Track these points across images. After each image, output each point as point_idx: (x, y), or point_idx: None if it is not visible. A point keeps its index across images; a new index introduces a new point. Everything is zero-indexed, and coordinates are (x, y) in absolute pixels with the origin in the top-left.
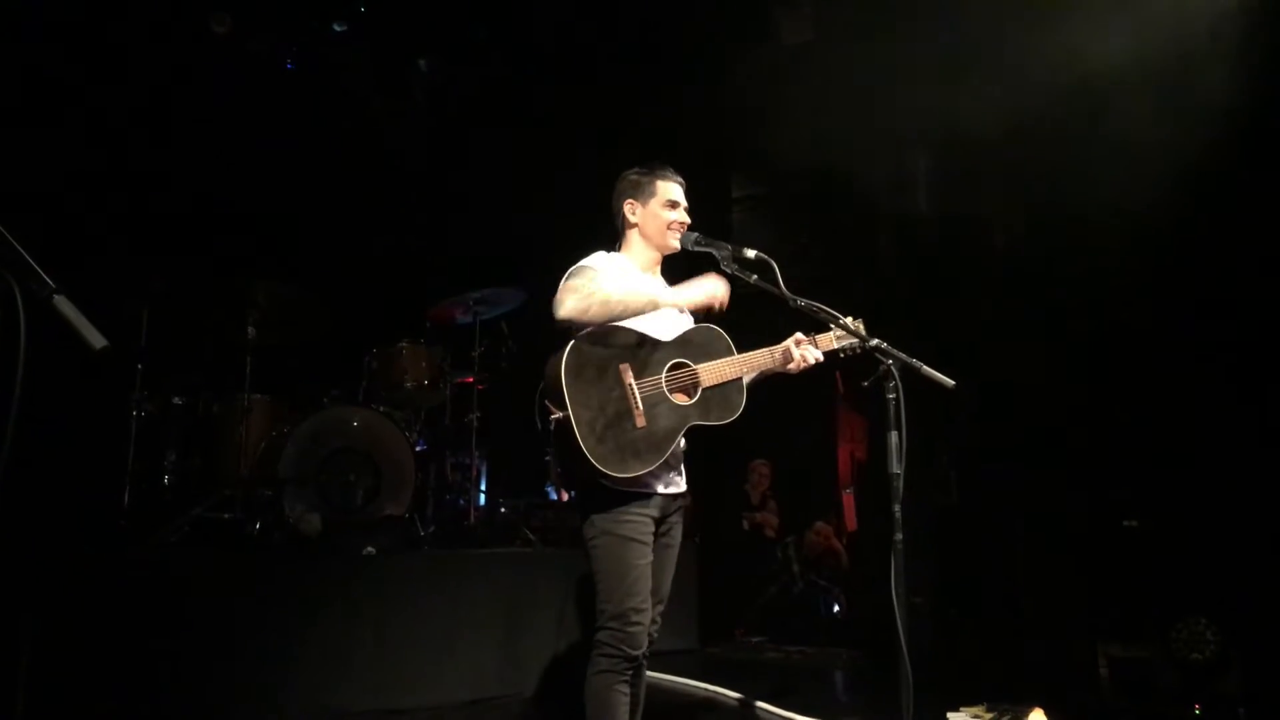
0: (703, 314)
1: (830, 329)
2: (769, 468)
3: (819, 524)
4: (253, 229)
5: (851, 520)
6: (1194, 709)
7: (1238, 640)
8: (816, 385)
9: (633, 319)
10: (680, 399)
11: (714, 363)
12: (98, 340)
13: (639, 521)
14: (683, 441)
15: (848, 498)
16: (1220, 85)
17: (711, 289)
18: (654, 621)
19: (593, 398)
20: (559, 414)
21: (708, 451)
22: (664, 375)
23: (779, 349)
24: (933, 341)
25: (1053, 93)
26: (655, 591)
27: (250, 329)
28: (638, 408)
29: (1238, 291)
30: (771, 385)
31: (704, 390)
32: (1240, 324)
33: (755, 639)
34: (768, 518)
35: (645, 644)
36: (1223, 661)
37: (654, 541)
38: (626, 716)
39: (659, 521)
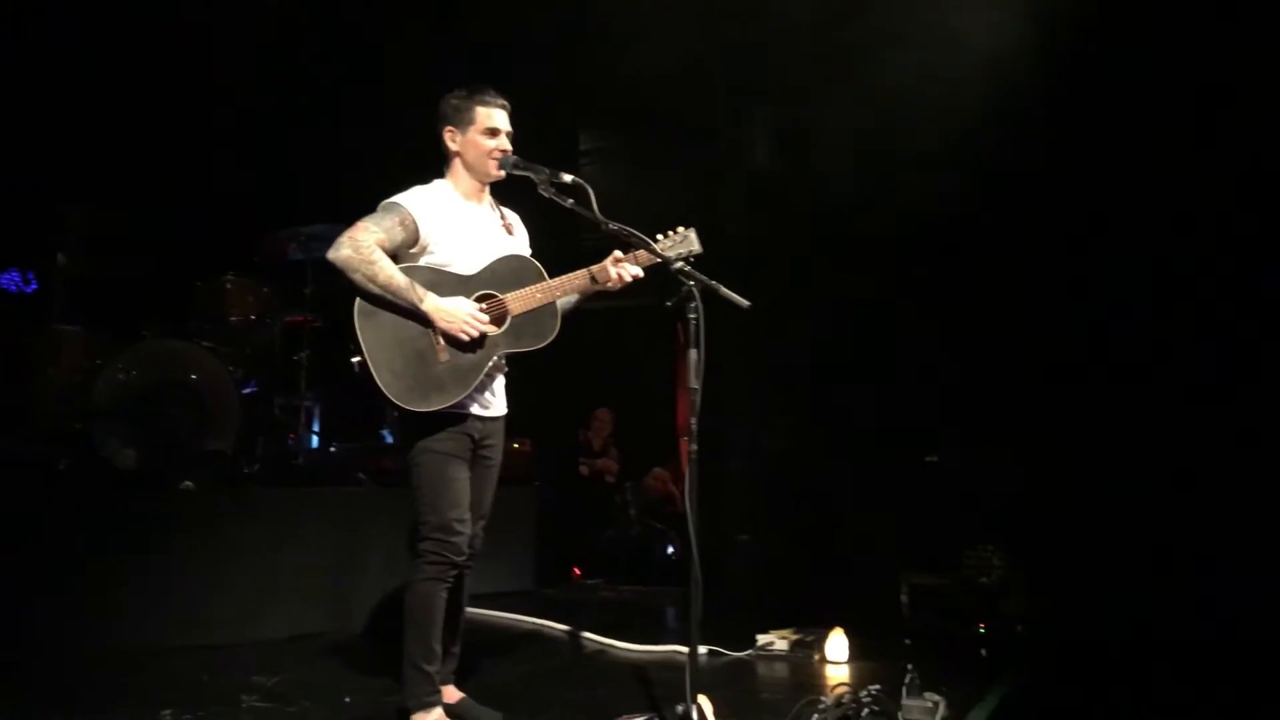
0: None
1: (655, 242)
2: (610, 416)
3: (657, 469)
4: (67, 150)
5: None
6: (978, 628)
7: (1020, 565)
8: (658, 335)
9: (449, 248)
10: (490, 330)
11: (522, 290)
12: None
13: (456, 440)
14: (493, 364)
15: (685, 445)
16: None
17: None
18: (476, 535)
19: (389, 337)
20: (358, 358)
21: (550, 399)
22: None
23: (594, 269)
24: (767, 291)
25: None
26: (478, 507)
27: (60, 256)
28: (439, 343)
29: (1027, 248)
30: (614, 335)
31: (513, 318)
32: (1028, 278)
33: (591, 581)
34: (608, 464)
35: (466, 552)
36: (1006, 585)
37: (473, 459)
38: (441, 623)
39: (477, 442)
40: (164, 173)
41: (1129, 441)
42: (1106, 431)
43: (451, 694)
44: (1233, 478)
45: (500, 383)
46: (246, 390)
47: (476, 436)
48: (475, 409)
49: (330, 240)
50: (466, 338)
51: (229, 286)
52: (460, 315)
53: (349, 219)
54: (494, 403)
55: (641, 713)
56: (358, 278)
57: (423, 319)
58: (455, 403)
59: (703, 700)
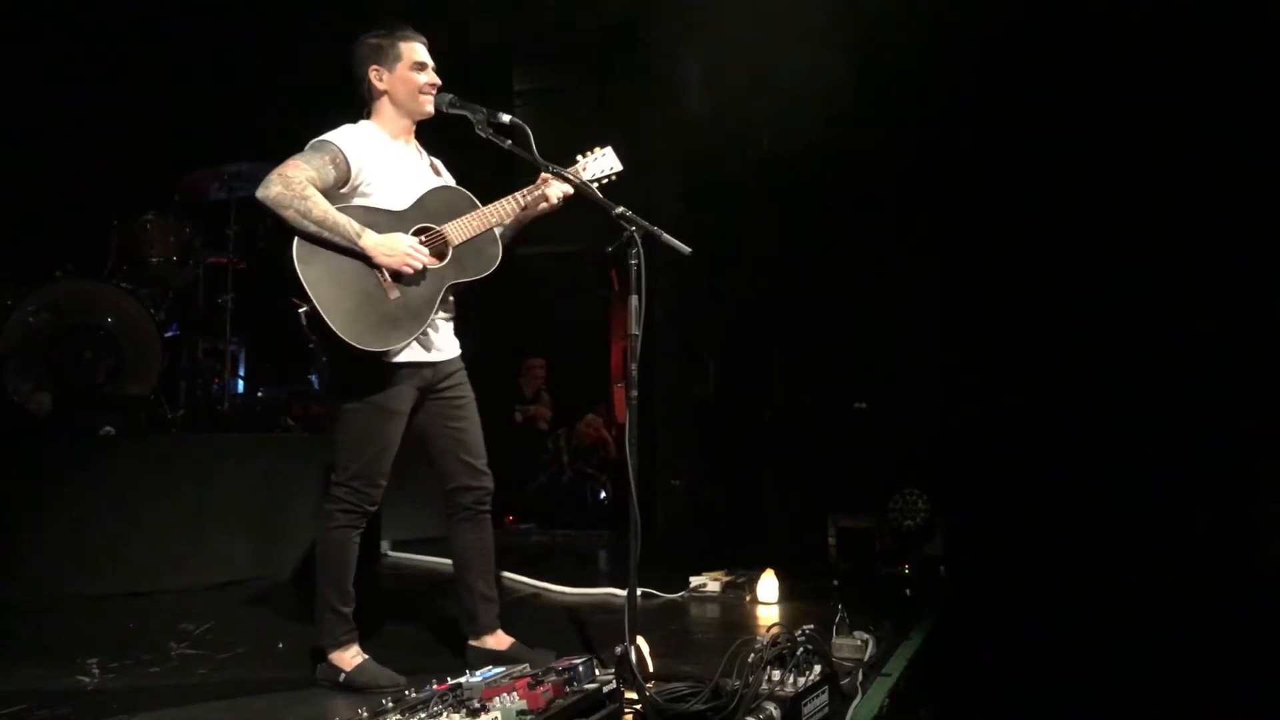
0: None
1: (575, 163)
2: (543, 363)
3: (590, 416)
4: None
5: (622, 412)
6: (903, 568)
7: (941, 508)
8: (593, 283)
9: (380, 187)
10: (432, 262)
11: (459, 220)
12: None
13: (395, 393)
14: (450, 308)
15: (619, 391)
16: None
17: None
18: (485, 474)
19: (335, 279)
20: (305, 307)
21: (482, 346)
22: None
23: (526, 191)
24: (699, 237)
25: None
26: (472, 448)
27: None
28: (386, 280)
29: (957, 194)
30: (546, 282)
31: (455, 249)
32: (956, 226)
33: (523, 525)
34: (541, 411)
35: (379, 503)
36: (929, 527)
37: (434, 406)
38: (354, 566)
39: (426, 389)
40: (79, 106)
41: (1049, 391)
42: (1026, 381)
43: (502, 639)
44: (1140, 425)
45: (448, 325)
46: (169, 334)
47: (424, 385)
48: (423, 355)
49: (252, 179)
50: (410, 270)
51: (149, 226)
52: (400, 249)
53: (273, 157)
54: (445, 345)
55: (579, 655)
56: (290, 214)
57: (361, 257)
58: (410, 341)
59: (640, 641)
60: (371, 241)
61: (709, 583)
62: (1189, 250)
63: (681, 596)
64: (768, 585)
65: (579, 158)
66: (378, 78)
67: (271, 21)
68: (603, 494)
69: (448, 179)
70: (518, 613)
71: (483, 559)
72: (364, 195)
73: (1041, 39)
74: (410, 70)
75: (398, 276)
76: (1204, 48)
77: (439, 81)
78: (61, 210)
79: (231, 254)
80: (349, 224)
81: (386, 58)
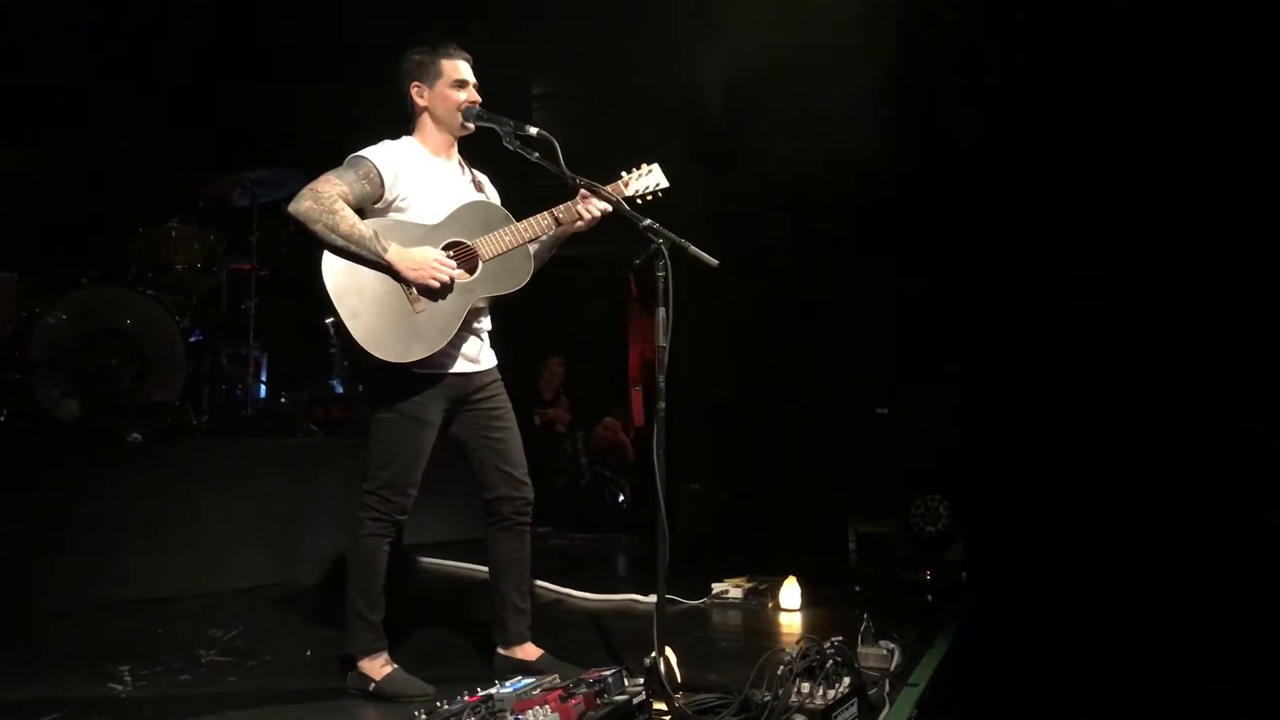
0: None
1: (620, 179)
2: (562, 366)
3: (608, 419)
4: None
5: (639, 416)
6: (925, 574)
7: (963, 514)
8: (611, 287)
9: (417, 203)
10: (461, 277)
11: (492, 235)
12: None
13: (428, 403)
14: (471, 311)
15: (636, 394)
16: None
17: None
18: (526, 484)
19: (361, 292)
20: (332, 318)
21: (500, 349)
22: None
23: (562, 207)
24: (720, 242)
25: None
26: (512, 459)
27: None
28: (412, 294)
29: (977, 201)
30: (563, 284)
31: (485, 264)
32: (976, 234)
33: (541, 529)
34: (560, 413)
35: (409, 512)
36: (951, 533)
37: (470, 417)
38: (384, 574)
39: (459, 400)
40: (102, 113)
41: (1068, 396)
42: (1045, 386)
43: (531, 651)
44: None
45: (482, 337)
46: (192, 340)
47: (457, 396)
48: (455, 367)
49: (275, 185)
50: (436, 284)
51: (173, 233)
52: (426, 263)
53: (294, 165)
54: (479, 356)
55: (606, 665)
56: (319, 229)
57: (388, 271)
58: (436, 353)
59: (669, 652)
60: (397, 256)
61: (731, 589)
62: (1196, 251)
63: (704, 603)
64: (790, 592)
65: (623, 173)
66: (418, 94)
67: (294, 28)
68: (621, 497)
69: (491, 195)
70: (541, 619)
71: (518, 570)
72: (400, 210)
73: (1043, 39)
74: (450, 88)
75: (424, 290)
76: (1204, 48)
77: (479, 99)
78: (86, 217)
79: (254, 260)
80: (375, 238)
81: (428, 74)
